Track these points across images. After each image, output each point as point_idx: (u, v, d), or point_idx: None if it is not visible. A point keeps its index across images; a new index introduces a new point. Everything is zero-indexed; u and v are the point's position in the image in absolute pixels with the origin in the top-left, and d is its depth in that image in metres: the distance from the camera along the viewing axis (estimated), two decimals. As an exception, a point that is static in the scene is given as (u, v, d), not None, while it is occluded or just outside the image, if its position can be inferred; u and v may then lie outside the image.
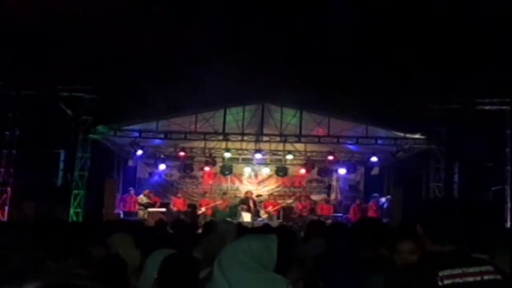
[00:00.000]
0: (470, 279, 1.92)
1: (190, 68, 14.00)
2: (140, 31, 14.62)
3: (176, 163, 17.50)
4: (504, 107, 14.27)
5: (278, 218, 16.25)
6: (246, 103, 14.95)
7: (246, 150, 16.86)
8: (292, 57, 16.05)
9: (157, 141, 16.16)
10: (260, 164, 17.66)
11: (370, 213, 15.63)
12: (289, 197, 18.12)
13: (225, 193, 17.15)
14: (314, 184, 18.49)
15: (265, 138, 15.61)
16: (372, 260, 3.01)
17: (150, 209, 15.66)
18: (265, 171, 17.93)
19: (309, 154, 17.10)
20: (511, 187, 14.23)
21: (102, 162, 16.03)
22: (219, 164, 17.31)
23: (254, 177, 18.36)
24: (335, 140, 15.15)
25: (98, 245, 3.52)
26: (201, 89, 13.85)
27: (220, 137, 15.25)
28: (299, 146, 16.90)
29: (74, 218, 13.97)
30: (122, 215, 15.37)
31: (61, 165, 15.62)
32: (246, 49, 15.93)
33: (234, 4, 14.81)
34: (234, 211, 16.35)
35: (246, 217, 15.55)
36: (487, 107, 14.23)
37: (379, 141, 14.97)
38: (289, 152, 16.74)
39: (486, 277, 1.93)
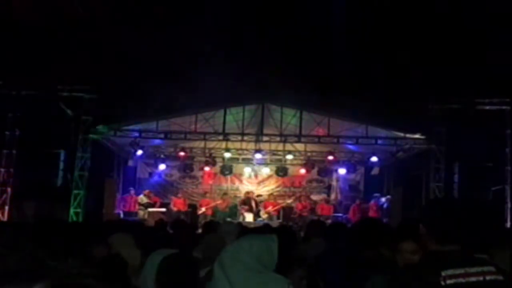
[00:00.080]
0: (473, 279, 1.92)
1: (190, 68, 14.01)
2: (140, 31, 14.62)
3: (176, 163, 17.50)
4: (504, 107, 14.27)
5: (278, 218, 16.25)
6: (246, 103, 14.95)
7: (246, 150, 16.87)
8: (292, 57, 16.05)
9: (157, 141, 16.17)
10: (260, 164, 17.66)
11: (371, 213, 15.63)
12: (289, 197, 18.11)
13: (225, 193, 17.14)
14: (314, 184, 18.49)
15: (265, 138, 15.61)
16: (373, 260, 3.01)
17: (150, 209, 15.67)
18: (265, 171, 17.93)
19: (309, 154, 17.10)
20: (511, 187, 14.22)
21: (102, 162, 16.04)
22: (219, 164, 17.31)
23: (254, 177, 18.36)
24: (335, 140, 15.15)
25: (99, 245, 3.52)
26: (201, 89, 13.85)
27: (220, 137, 15.25)
28: (299, 146, 16.90)
29: (74, 218, 13.97)
30: (122, 215, 15.37)
31: (61, 165, 15.62)
32: (246, 49, 15.94)
33: (234, 4, 14.81)
34: (234, 211, 16.35)
35: (249, 217, 15.55)
36: (487, 107, 14.23)
37: (379, 141, 14.97)
38: (289, 152, 16.74)
39: (488, 278, 1.93)
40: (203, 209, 16.09)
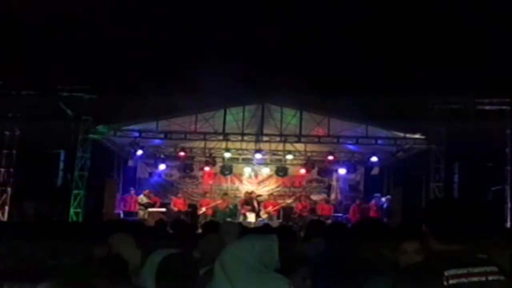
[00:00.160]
0: (475, 279, 1.93)
1: (190, 68, 13.99)
2: (140, 31, 14.61)
3: (176, 163, 17.50)
4: (504, 107, 14.27)
5: (278, 218, 16.26)
6: (246, 103, 14.95)
7: (246, 150, 16.87)
8: (292, 57, 16.05)
9: (157, 141, 16.17)
10: (260, 164, 17.66)
11: (371, 213, 15.64)
12: (289, 197, 18.11)
13: (225, 194, 17.14)
14: (314, 184, 18.48)
15: (265, 138, 15.61)
16: (373, 260, 3.01)
17: (150, 209, 15.68)
18: (265, 171, 17.94)
19: (309, 154, 17.10)
20: (511, 187, 14.22)
21: (102, 162, 16.04)
22: (219, 164, 17.32)
23: (254, 177, 18.36)
24: (335, 140, 15.16)
25: (100, 245, 3.53)
26: (201, 89, 13.84)
27: (220, 137, 15.26)
28: (299, 146, 16.91)
29: (74, 218, 13.97)
30: (122, 215, 15.39)
31: (61, 165, 15.65)
32: (246, 49, 15.93)
33: (234, 4, 14.80)
34: (234, 211, 16.36)
35: (251, 217, 15.56)
36: (487, 107, 14.23)
37: (379, 141, 14.97)
38: (289, 152, 16.75)
39: (490, 278, 1.94)
40: (204, 209, 16.09)
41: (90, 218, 13.90)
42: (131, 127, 14.91)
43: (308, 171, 17.29)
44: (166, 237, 5.83)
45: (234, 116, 15.25)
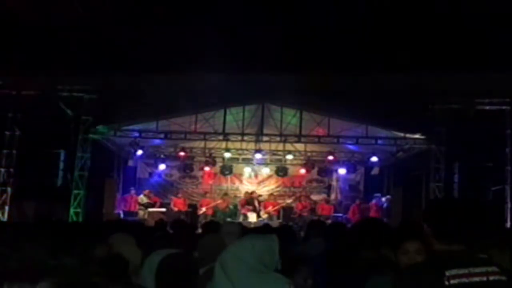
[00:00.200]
0: (476, 279, 1.93)
1: (190, 68, 13.98)
2: (140, 31, 14.61)
3: (176, 163, 17.51)
4: (504, 107, 14.28)
5: (278, 218, 16.26)
6: (246, 103, 14.95)
7: (246, 150, 16.88)
8: (292, 57, 16.04)
9: (157, 141, 16.18)
10: (260, 164, 17.67)
11: (371, 213, 15.63)
12: (289, 197, 18.11)
13: (226, 194, 17.14)
14: (314, 184, 18.49)
15: (265, 138, 15.62)
16: (373, 260, 3.01)
17: (150, 209, 15.68)
18: (265, 171, 17.94)
19: (309, 154, 17.11)
20: (511, 187, 14.22)
21: (102, 162, 16.03)
22: (219, 164, 17.32)
23: (254, 177, 18.36)
24: (335, 140, 15.16)
25: (100, 245, 3.53)
26: (201, 89, 13.84)
27: (220, 137, 15.26)
28: (299, 146, 16.91)
29: (74, 218, 13.97)
30: (122, 215, 15.38)
31: (61, 165, 15.65)
32: (246, 48, 15.92)
33: (234, 4, 14.80)
34: (234, 211, 16.35)
35: (252, 217, 15.56)
36: (487, 107, 14.24)
37: (379, 141, 14.98)
38: (289, 152, 16.75)
39: (491, 278, 1.94)
40: (204, 209, 16.10)
41: (90, 218, 13.90)
42: (131, 127, 14.91)
43: (308, 171, 17.29)
44: (166, 237, 5.83)
45: (234, 116, 15.25)
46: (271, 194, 17.77)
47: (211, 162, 16.74)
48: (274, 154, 17.24)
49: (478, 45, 14.15)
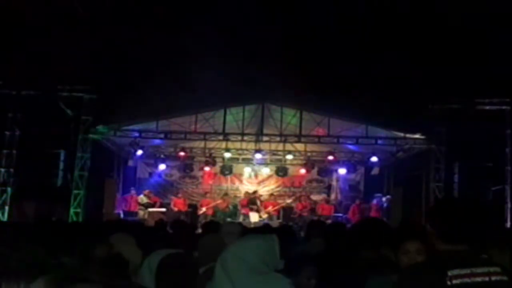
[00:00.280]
0: (478, 279, 1.93)
1: (190, 68, 13.99)
2: (140, 31, 14.62)
3: (176, 163, 17.51)
4: (504, 107, 14.28)
5: (278, 218, 16.26)
6: (246, 103, 14.96)
7: (246, 150, 16.87)
8: (292, 57, 16.04)
9: (157, 141, 16.17)
10: (260, 164, 17.66)
11: (371, 213, 15.63)
12: (289, 197, 18.11)
13: (226, 194, 17.14)
14: (314, 184, 18.48)
15: (265, 138, 15.61)
16: (373, 260, 3.01)
17: (150, 209, 15.68)
18: (265, 171, 17.94)
19: (309, 154, 17.11)
20: (511, 187, 14.22)
21: (102, 162, 16.04)
22: (219, 164, 17.32)
23: (254, 177, 18.36)
24: (335, 140, 15.16)
25: (100, 245, 3.52)
26: (201, 89, 13.84)
27: (220, 137, 15.26)
28: (299, 146, 16.91)
29: (74, 218, 13.97)
30: (122, 215, 15.38)
31: (61, 165, 15.63)
32: (246, 48, 15.93)
33: (234, 4, 14.80)
34: (234, 211, 16.35)
35: (254, 217, 15.54)
36: (487, 107, 14.24)
37: (379, 141, 14.98)
38: (289, 152, 16.75)
39: (493, 278, 1.94)
40: (204, 209, 16.10)
41: (90, 218, 13.89)
42: (131, 127, 14.91)
43: (308, 171, 17.29)
44: (166, 237, 5.83)
45: (234, 116, 15.25)
46: (271, 194, 17.77)
47: (211, 162, 16.73)
48: (274, 154, 17.23)
49: (478, 45, 14.15)
